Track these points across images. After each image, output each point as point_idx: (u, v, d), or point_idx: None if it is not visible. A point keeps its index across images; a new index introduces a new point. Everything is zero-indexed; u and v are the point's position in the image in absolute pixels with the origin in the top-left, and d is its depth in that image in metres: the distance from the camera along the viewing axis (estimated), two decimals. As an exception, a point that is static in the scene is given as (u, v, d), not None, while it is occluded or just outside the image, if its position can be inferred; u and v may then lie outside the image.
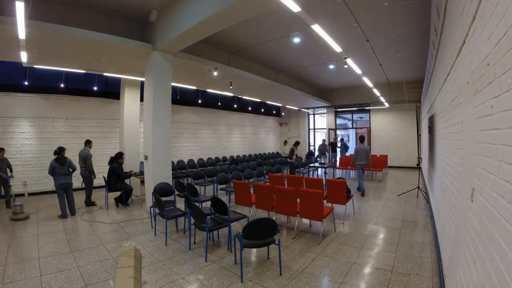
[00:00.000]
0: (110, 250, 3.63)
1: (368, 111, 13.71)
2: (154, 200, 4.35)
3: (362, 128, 16.52)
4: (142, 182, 6.10)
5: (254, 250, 3.65)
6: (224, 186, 6.43)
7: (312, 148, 16.33)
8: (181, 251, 3.62)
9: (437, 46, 4.05)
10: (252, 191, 5.00)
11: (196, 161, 10.17)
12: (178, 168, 9.02)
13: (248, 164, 9.36)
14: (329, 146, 12.95)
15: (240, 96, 11.58)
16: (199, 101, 10.90)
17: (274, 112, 16.42)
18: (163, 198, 4.27)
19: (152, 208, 4.65)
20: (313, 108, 15.53)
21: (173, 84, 6.48)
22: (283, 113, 17.20)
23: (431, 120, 5.51)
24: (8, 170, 5.96)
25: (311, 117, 16.27)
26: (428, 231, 4.16)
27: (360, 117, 16.39)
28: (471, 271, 1.50)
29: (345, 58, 6.13)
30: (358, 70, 7.55)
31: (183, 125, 10.85)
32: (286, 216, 4.94)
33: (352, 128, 17.43)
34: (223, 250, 3.64)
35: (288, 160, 9.43)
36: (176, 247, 3.74)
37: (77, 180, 6.24)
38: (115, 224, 4.80)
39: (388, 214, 5.19)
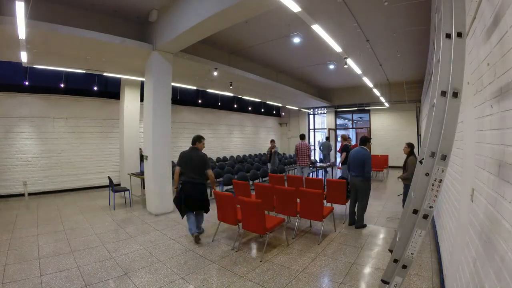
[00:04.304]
0: (110, 250, 3.63)
1: (368, 111, 13.71)
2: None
3: (362, 128, 16.51)
4: (142, 182, 6.11)
5: (254, 251, 3.66)
6: (230, 187, 6.40)
7: (312, 148, 16.30)
8: (181, 251, 3.62)
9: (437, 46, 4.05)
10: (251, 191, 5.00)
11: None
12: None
13: (253, 165, 9.28)
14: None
15: (240, 96, 11.57)
16: (199, 101, 10.90)
17: (274, 112, 16.41)
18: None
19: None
20: (313, 108, 15.52)
21: (173, 84, 6.48)
22: (283, 113, 17.19)
23: (431, 120, 5.49)
24: None
25: (311, 117, 16.26)
26: (428, 231, 4.16)
27: (360, 117, 16.38)
28: (471, 271, 1.50)
29: (345, 58, 6.13)
30: (358, 70, 7.55)
31: (183, 125, 10.85)
32: (286, 216, 4.94)
33: (352, 128, 17.40)
34: (224, 250, 3.64)
35: None
36: (176, 247, 3.75)
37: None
38: (115, 224, 4.80)
39: (388, 214, 5.19)
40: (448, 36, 1.42)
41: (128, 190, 6.12)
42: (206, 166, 3.96)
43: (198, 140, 4.12)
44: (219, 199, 3.96)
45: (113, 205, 5.97)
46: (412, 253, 1.50)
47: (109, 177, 6.11)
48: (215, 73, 7.08)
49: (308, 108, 15.61)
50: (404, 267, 1.52)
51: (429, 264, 3.08)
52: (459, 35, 1.35)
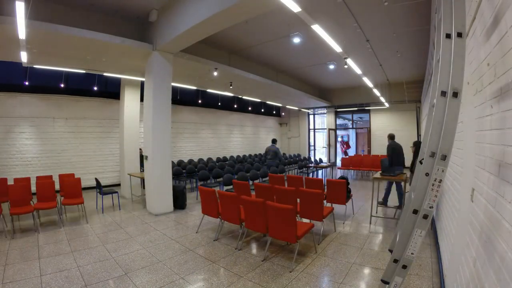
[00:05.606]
0: (110, 250, 3.63)
1: (368, 111, 13.70)
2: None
3: (362, 128, 16.51)
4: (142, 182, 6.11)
5: (254, 251, 3.66)
6: (230, 187, 6.39)
7: (312, 148, 16.29)
8: (181, 251, 3.62)
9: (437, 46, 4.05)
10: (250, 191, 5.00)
11: (196, 161, 10.13)
12: (182, 168, 8.69)
13: (252, 165, 9.25)
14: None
15: (240, 96, 11.57)
16: (199, 101, 10.90)
17: (274, 112, 16.41)
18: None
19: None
20: (313, 108, 15.52)
21: (173, 84, 6.48)
22: (283, 113, 17.19)
23: (431, 120, 5.46)
24: None
25: (311, 117, 16.27)
26: (428, 231, 4.16)
27: (360, 117, 16.38)
28: (471, 271, 1.50)
29: (345, 58, 6.13)
30: (358, 70, 7.55)
31: (183, 125, 10.85)
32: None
33: (352, 128, 17.40)
34: (224, 250, 3.64)
35: None
36: (176, 247, 3.75)
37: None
38: (115, 224, 4.80)
39: (388, 214, 5.19)
40: (448, 36, 1.42)
41: (116, 192, 5.88)
42: None
43: None
44: (225, 199, 3.98)
45: (119, 206, 5.96)
46: (412, 253, 1.50)
47: (96, 179, 6.02)
48: (215, 73, 7.08)
49: (308, 108, 15.61)
50: (404, 267, 1.52)
51: (429, 264, 3.08)
52: (459, 35, 1.35)
